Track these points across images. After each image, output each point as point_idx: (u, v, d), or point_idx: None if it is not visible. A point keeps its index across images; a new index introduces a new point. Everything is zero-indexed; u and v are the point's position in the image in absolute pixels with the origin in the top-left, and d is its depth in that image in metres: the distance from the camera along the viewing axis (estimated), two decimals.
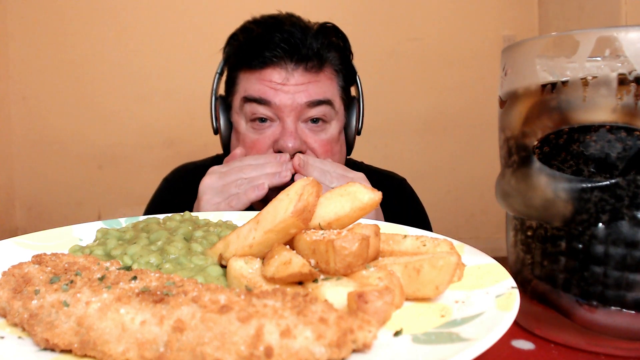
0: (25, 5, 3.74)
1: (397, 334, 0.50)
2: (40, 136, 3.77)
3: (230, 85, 1.48)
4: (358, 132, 1.51)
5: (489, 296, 0.57)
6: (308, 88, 1.35)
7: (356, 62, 1.53)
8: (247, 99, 1.37)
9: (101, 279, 0.55)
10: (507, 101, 0.65)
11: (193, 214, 0.94)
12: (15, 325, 0.53)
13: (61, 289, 0.53)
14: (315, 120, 1.38)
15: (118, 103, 3.76)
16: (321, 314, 0.45)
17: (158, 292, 0.50)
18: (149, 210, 1.59)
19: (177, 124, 3.73)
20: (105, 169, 3.75)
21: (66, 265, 0.61)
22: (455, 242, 0.75)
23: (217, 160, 1.82)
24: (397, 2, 3.96)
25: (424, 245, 0.69)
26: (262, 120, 1.37)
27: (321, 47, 1.38)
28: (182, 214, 0.92)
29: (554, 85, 0.58)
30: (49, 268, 0.60)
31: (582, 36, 0.56)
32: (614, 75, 0.54)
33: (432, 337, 0.49)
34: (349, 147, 1.53)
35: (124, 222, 0.93)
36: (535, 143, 0.60)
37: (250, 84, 1.38)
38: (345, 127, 1.49)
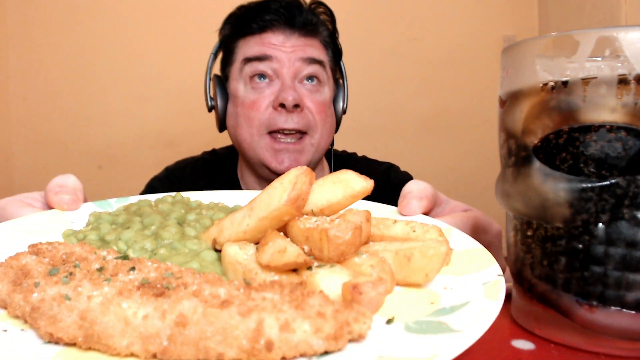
0: (25, 5, 3.74)
1: (389, 321, 0.52)
2: (40, 136, 3.77)
3: (228, 58, 1.55)
4: (344, 112, 1.59)
5: (476, 283, 0.59)
6: (304, 48, 1.46)
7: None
8: (248, 59, 1.45)
9: (100, 270, 0.56)
10: (507, 101, 0.65)
11: (184, 194, 0.93)
12: (17, 317, 0.53)
13: (61, 282, 0.53)
14: (310, 79, 1.47)
15: (118, 103, 3.76)
16: (319, 308, 0.46)
17: (158, 285, 0.51)
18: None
19: (177, 124, 3.73)
20: (105, 169, 3.75)
21: (64, 256, 0.62)
22: (443, 226, 0.76)
23: (211, 155, 1.82)
24: (397, 2, 3.96)
25: (414, 231, 0.70)
26: (262, 77, 1.45)
27: (314, 20, 1.50)
28: (173, 195, 0.91)
29: (554, 85, 0.58)
30: (47, 259, 0.61)
31: (582, 36, 0.56)
32: (614, 75, 0.54)
33: (424, 327, 0.50)
34: (337, 124, 1.61)
35: (114, 202, 0.91)
36: (536, 143, 0.60)
37: (250, 47, 1.47)
38: (334, 102, 1.56)
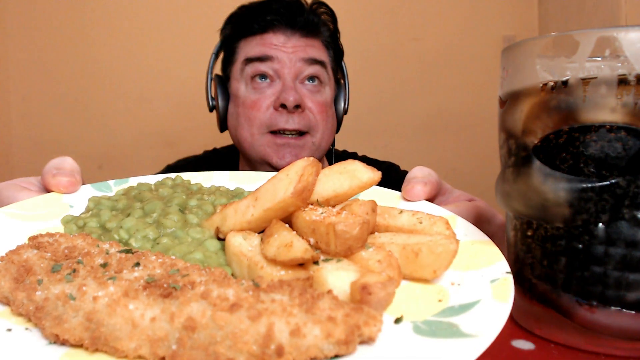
0: (25, 5, 3.74)
1: (397, 321, 0.51)
2: (40, 136, 3.77)
3: (229, 58, 1.55)
4: (345, 112, 1.59)
5: (483, 280, 0.58)
6: (305, 49, 1.46)
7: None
8: (249, 60, 1.46)
9: (103, 265, 0.55)
10: (507, 101, 0.65)
11: (184, 176, 0.91)
12: (20, 315, 0.53)
13: (65, 279, 0.52)
14: (312, 79, 1.47)
15: (118, 103, 3.76)
16: (329, 312, 0.46)
17: (165, 285, 0.50)
18: None
19: (177, 124, 3.73)
20: (105, 169, 3.75)
21: (66, 250, 0.60)
22: (448, 214, 0.76)
23: (212, 154, 1.81)
24: (397, 2, 3.96)
25: (420, 223, 0.69)
26: (263, 77, 1.45)
27: (316, 20, 1.51)
28: (173, 177, 0.89)
29: (554, 85, 0.58)
30: (49, 254, 0.60)
31: (582, 36, 0.56)
32: (614, 75, 0.54)
33: (433, 328, 0.49)
34: (338, 124, 1.61)
35: (113, 184, 0.89)
36: (536, 143, 0.60)
37: (251, 47, 1.47)
38: (335, 103, 1.57)
